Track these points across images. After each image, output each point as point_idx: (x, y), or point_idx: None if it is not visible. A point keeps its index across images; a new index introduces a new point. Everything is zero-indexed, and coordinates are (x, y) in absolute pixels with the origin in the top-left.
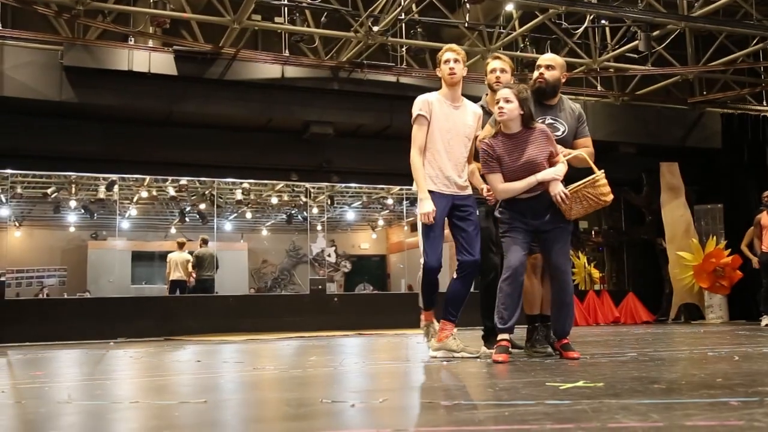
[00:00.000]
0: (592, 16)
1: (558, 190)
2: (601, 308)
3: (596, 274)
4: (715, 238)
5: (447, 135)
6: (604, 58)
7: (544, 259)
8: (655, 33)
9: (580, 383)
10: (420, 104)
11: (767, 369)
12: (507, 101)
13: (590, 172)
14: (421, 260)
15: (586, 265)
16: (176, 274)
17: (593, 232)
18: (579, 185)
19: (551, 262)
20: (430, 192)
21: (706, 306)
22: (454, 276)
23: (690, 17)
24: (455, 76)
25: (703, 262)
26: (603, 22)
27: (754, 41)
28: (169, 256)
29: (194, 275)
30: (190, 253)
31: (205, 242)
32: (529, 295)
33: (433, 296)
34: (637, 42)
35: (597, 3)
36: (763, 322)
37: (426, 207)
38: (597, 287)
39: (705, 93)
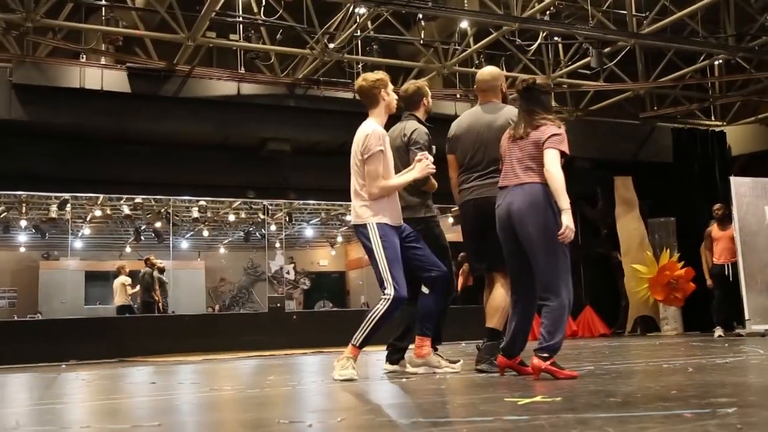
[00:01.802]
0: (545, 34)
1: None
2: (580, 323)
3: None
4: (668, 250)
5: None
6: (557, 74)
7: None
8: (606, 50)
9: (538, 398)
10: (380, 139)
11: (720, 380)
12: None
13: None
14: (387, 291)
15: None
16: (118, 299)
17: None
18: None
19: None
20: (387, 226)
21: (661, 318)
22: (425, 291)
23: (639, 34)
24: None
25: (657, 274)
26: (556, 39)
27: (701, 58)
28: (114, 281)
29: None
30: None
31: (146, 262)
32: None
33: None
34: (589, 58)
35: (549, 20)
36: (716, 334)
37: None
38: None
39: (656, 108)
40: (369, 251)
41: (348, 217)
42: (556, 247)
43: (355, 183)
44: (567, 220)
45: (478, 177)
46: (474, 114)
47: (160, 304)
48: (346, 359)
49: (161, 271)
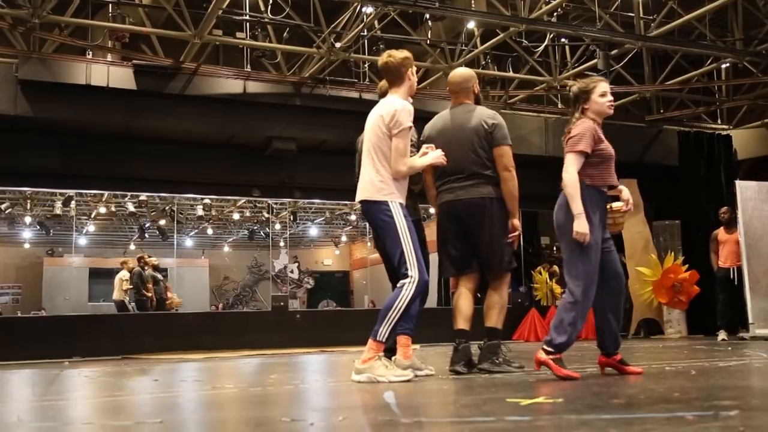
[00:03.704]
0: (552, 35)
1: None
2: None
3: (558, 289)
4: (673, 253)
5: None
6: (564, 76)
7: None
8: (613, 52)
9: (541, 399)
10: (411, 115)
11: (723, 383)
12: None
13: None
14: (411, 273)
15: (548, 280)
16: (116, 294)
17: (555, 248)
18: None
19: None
20: (402, 205)
21: (665, 321)
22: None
23: (647, 37)
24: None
25: (661, 277)
26: (563, 40)
27: (708, 61)
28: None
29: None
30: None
31: (138, 261)
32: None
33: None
34: (596, 60)
35: (557, 22)
36: (720, 337)
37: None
38: (558, 303)
39: (662, 111)
40: (386, 231)
41: (353, 217)
42: (572, 249)
43: (375, 156)
44: (577, 225)
45: (456, 179)
46: (446, 116)
47: (153, 302)
48: (380, 361)
49: (155, 268)
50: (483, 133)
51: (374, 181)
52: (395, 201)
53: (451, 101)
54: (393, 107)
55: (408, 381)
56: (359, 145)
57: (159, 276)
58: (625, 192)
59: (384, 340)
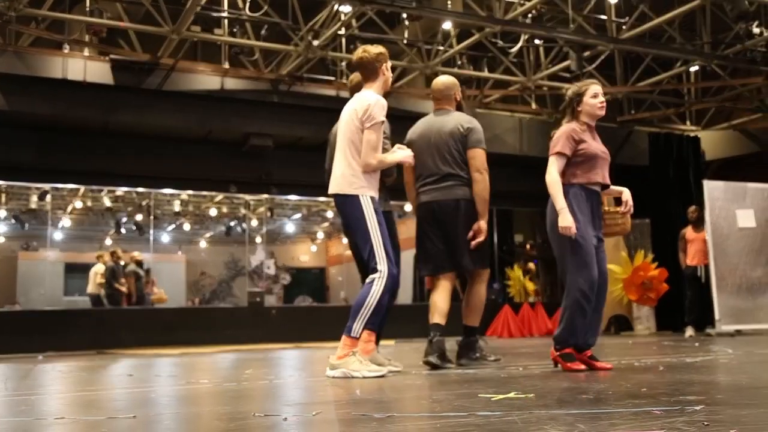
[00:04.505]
0: (526, 36)
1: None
2: (535, 320)
3: (531, 286)
4: (643, 251)
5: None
6: (538, 76)
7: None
8: (586, 53)
9: (512, 394)
10: (384, 109)
11: (689, 379)
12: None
13: None
14: (380, 267)
15: (521, 277)
16: (90, 287)
17: (528, 245)
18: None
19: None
20: (376, 202)
21: (635, 318)
22: None
23: (618, 39)
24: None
25: (631, 275)
26: (537, 41)
27: (678, 63)
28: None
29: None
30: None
31: (111, 255)
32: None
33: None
34: (569, 62)
35: (531, 23)
36: (688, 333)
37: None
38: (531, 299)
39: (633, 112)
40: (356, 225)
41: (329, 214)
42: (562, 245)
43: (348, 150)
44: (560, 220)
45: (433, 181)
46: (427, 121)
47: (133, 297)
48: (354, 357)
49: (138, 264)
50: (458, 135)
51: (346, 175)
52: (366, 195)
53: (432, 104)
54: (367, 101)
55: (382, 376)
56: (332, 138)
57: (140, 272)
58: (626, 194)
59: (358, 336)
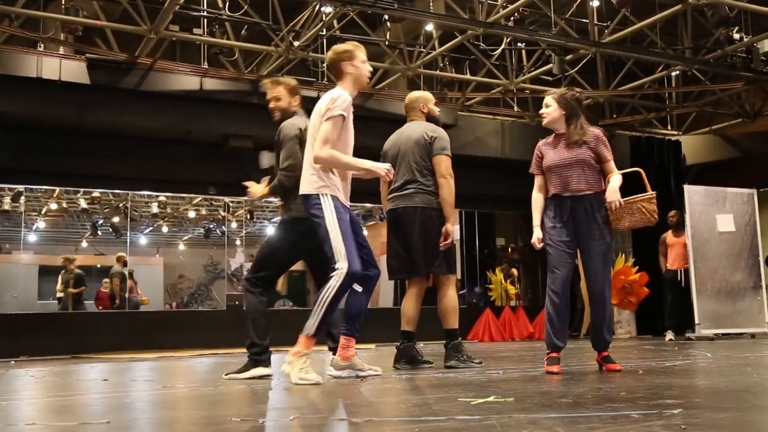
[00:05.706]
0: (508, 39)
1: (615, 197)
2: (517, 324)
3: (512, 290)
4: (623, 255)
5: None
6: (520, 79)
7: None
8: (568, 57)
9: (491, 398)
10: (345, 104)
11: (668, 382)
12: (547, 106)
13: None
14: (339, 265)
15: (503, 281)
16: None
17: (509, 249)
18: (636, 198)
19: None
20: (339, 201)
21: (616, 321)
22: (358, 290)
23: (600, 43)
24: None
25: (612, 279)
26: (519, 44)
27: (659, 68)
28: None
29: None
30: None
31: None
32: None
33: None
34: (551, 65)
35: (513, 26)
36: (668, 337)
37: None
38: (512, 303)
39: (615, 116)
40: (317, 224)
41: None
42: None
43: (309, 149)
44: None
45: (398, 188)
46: (399, 131)
47: (116, 299)
48: (303, 358)
49: (124, 266)
50: (423, 143)
51: (307, 175)
52: (327, 194)
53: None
54: (330, 96)
55: (315, 384)
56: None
57: (125, 272)
58: (608, 193)
59: (312, 334)
